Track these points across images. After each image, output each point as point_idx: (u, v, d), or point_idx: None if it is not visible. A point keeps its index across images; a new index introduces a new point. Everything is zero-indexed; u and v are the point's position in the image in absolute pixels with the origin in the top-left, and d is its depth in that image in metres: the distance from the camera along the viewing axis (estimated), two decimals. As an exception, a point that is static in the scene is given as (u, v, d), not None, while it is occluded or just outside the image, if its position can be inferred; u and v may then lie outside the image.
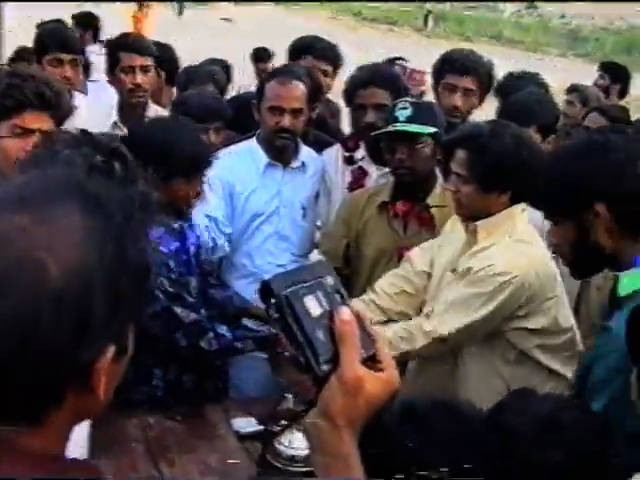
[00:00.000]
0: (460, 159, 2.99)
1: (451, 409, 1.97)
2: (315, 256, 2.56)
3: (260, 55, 7.77)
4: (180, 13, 33.68)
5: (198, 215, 3.63)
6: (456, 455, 1.84)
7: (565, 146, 2.46)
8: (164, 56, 4.77)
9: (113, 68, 4.33)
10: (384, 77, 4.02)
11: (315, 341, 1.21)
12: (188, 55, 5.84)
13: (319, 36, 5.16)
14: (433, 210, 3.52)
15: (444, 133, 3.44)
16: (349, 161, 4.09)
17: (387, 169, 3.69)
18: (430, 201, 3.53)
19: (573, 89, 5.96)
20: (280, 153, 3.94)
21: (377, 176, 3.87)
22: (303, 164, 4.01)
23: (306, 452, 2.62)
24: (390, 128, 3.40)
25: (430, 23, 30.98)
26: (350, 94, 4.06)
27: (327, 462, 1.24)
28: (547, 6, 33.67)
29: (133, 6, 16.97)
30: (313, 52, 4.83)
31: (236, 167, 3.92)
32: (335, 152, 4.14)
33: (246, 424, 3.00)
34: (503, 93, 4.50)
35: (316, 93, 4.08)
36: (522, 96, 3.99)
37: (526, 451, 1.92)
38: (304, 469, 2.61)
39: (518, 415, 2.02)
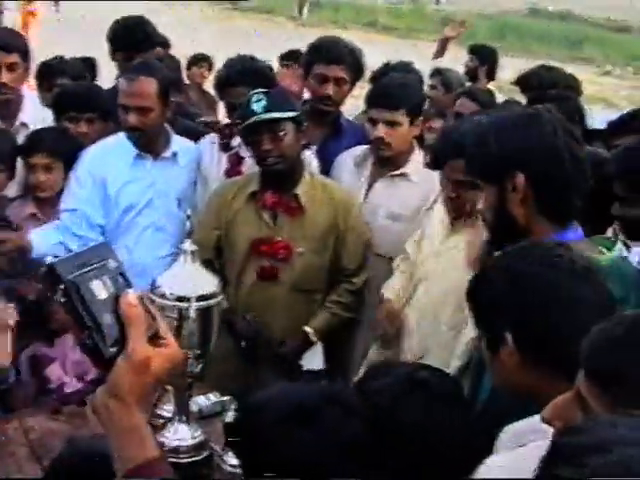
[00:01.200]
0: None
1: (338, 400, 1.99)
2: (189, 245, 2.56)
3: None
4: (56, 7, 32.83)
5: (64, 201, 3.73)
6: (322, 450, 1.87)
7: (498, 115, 2.48)
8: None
9: None
10: (250, 73, 4.03)
11: (103, 324, 1.26)
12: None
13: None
14: (303, 199, 3.55)
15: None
16: (225, 148, 4.09)
17: None
18: (299, 190, 3.55)
19: (435, 73, 6.10)
20: (144, 146, 3.91)
21: (252, 163, 3.85)
22: (174, 154, 3.97)
23: (190, 442, 2.65)
24: (250, 120, 3.42)
25: (305, 11, 31.02)
26: (220, 90, 4.15)
27: (122, 438, 1.31)
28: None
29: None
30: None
31: (106, 160, 3.88)
32: (210, 140, 4.14)
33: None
34: (376, 81, 4.57)
35: (175, 85, 4.06)
36: (386, 81, 4.06)
37: (390, 411, 1.97)
38: (189, 459, 2.62)
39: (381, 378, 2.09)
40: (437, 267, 3.43)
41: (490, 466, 1.65)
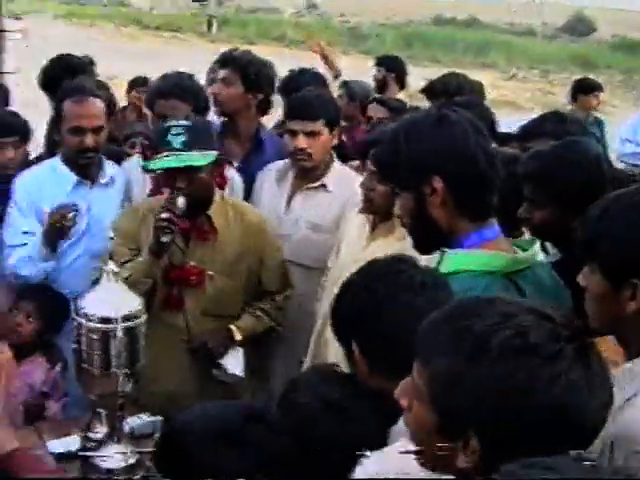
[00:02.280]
0: None
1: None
2: (111, 266, 2.57)
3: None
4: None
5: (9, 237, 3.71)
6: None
7: (406, 119, 2.42)
8: None
9: None
10: (185, 89, 4.02)
11: None
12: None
13: None
14: (215, 221, 3.47)
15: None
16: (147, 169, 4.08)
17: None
18: (211, 212, 3.47)
19: (342, 84, 6.25)
20: (86, 171, 3.86)
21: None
22: (112, 179, 3.94)
23: (123, 463, 2.65)
24: (166, 160, 3.29)
25: (214, 28, 31.05)
26: (151, 102, 4.08)
27: None
28: (326, 5, 34.53)
29: None
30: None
31: (41, 187, 3.82)
32: (135, 162, 4.11)
33: (62, 444, 2.96)
34: (286, 91, 4.62)
35: (110, 106, 4.04)
36: (303, 94, 4.11)
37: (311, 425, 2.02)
38: (124, 480, 2.62)
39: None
40: None
41: (368, 461, 1.74)
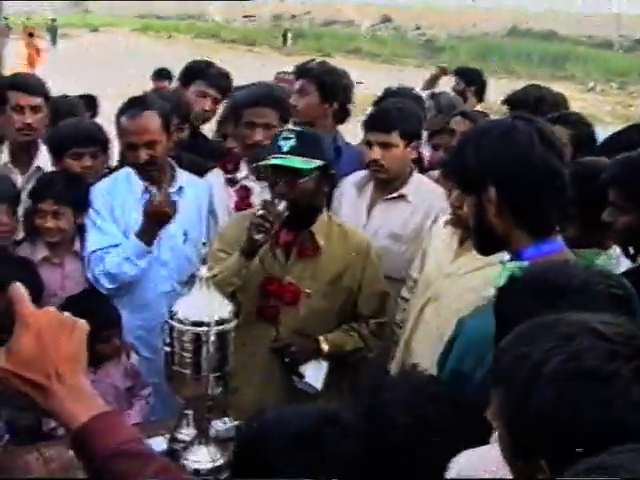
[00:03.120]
0: None
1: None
2: (204, 271, 2.65)
3: (159, 74, 7.84)
4: (54, 42, 33.26)
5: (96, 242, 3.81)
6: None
7: (479, 126, 2.50)
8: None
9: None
10: (272, 97, 4.06)
11: None
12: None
13: (210, 61, 5.29)
14: (319, 238, 3.44)
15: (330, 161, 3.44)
16: (231, 182, 4.14)
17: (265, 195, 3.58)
18: (314, 228, 3.44)
19: (431, 97, 6.25)
20: (153, 180, 3.91)
21: (260, 191, 3.86)
22: (180, 188, 3.97)
23: (210, 465, 2.72)
24: (271, 160, 3.31)
25: (289, 41, 31.30)
26: (237, 111, 4.10)
27: (72, 398, 1.47)
28: (401, 18, 34.52)
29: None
30: (204, 77, 4.96)
31: (115, 194, 3.91)
32: (215, 174, 4.20)
33: (150, 446, 3.04)
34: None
35: (184, 113, 4.10)
36: (383, 105, 4.17)
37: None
38: (209, 482, 2.69)
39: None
40: (449, 288, 3.40)
41: (458, 462, 1.78)
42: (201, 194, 4.05)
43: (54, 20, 41.22)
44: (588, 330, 1.39)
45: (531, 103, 4.70)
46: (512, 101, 5.01)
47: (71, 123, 4.33)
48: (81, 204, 3.90)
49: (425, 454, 2.02)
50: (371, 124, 4.01)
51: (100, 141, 4.20)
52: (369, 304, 3.56)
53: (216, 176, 4.18)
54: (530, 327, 1.47)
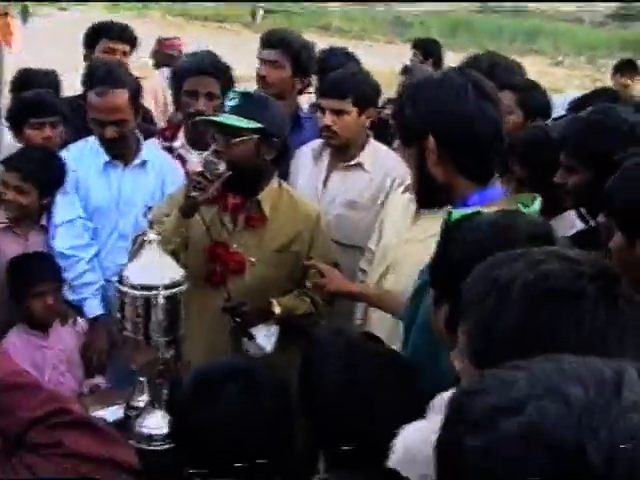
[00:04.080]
0: None
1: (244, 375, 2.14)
2: (152, 235, 2.66)
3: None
4: (25, 21, 32.89)
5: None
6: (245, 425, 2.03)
7: (417, 81, 2.49)
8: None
9: None
10: (216, 66, 4.11)
11: None
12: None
13: (111, 20, 5.37)
14: (265, 207, 3.43)
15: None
16: (168, 151, 4.17)
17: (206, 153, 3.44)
18: (261, 197, 3.43)
19: (404, 71, 6.25)
20: (117, 154, 3.95)
21: (197, 161, 3.86)
22: (144, 162, 3.99)
23: (163, 431, 2.73)
24: (209, 118, 3.37)
25: (258, 18, 31.08)
26: (179, 80, 4.14)
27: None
28: (372, -6, 34.38)
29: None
30: (108, 35, 5.02)
31: (78, 164, 3.93)
32: (153, 141, 4.22)
33: (106, 414, 3.05)
34: (320, 70, 4.67)
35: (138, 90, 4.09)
36: (336, 73, 4.14)
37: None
38: (162, 447, 2.70)
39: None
40: (408, 254, 3.35)
41: (407, 430, 1.76)
42: (165, 168, 4.04)
43: (24, -3, 40.91)
44: (558, 256, 1.40)
45: (484, 69, 4.71)
46: (465, 67, 5.01)
47: (29, 94, 4.34)
48: (49, 185, 3.88)
49: (354, 413, 2.06)
50: (324, 90, 4.03)
51: (59, 111, 4.20)
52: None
53: (152, 144, 4.19)
54: (499, 257, 1.47)
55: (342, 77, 4.04)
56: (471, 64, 4.85)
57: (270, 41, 4.52)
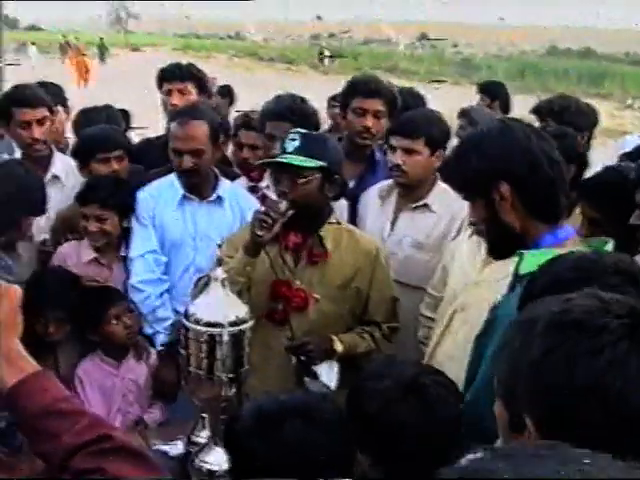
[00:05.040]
0: None
1: (302, 411, 2.13)
2: (219, 273, 2.68)
3: None
4: (103, 60, 34.11)
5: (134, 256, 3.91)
6: (305, 458, 2.02)
7: (472, 133, 2.60)
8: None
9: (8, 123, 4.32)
10: (295, 111, 4.13)
11: None
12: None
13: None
14: (327, 243, 3.46)
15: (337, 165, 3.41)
16: (252, 190, 4.22)
17: None
18: (323, 233, 3.45)
19: (462, 114, 6.23)
20: (195, 187, 3.98)
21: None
22: (219, 198, 4.01)
23: (223, 467, 2.72)
24: (273, 159, 3.40)
25: (326, 60, 31.42)
26: (262, 123, 4.19)
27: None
28: (438, 36, 34.54)
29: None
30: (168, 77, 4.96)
31: (157, 200, 3.99)
32: (242, 182, 4.28)
33: (167, 448, 3.07)
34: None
35: (219, 127, 4.12)
36: (410, 112, 4.15)
37: (387, 413, 2.14)
38: (223, 482, 2.69)
39: (380, 379, 2.22)
40: (477, 296, 3.29)
41: None
42: (243, 205, 4.04)
43: (102, 39, 41.97)
44: (589, 295, 1.40)
45: (555, 111, 4.69)
46: (538, 110, 4.99)
47: (95, 129, 4.43)
48: (126, 207, 3.98)
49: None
50: (396, 129, 4.01)
51: (124, 145, 4.29)
52: (380, 309, 3.58)
53: (239, 184, 4.23)
54: (539, 302, 1.47)
55: (415, 117, 4.05)
56: (543, 106, 4.84)
57: (373, 90, 4.36)
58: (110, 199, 3.90)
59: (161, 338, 3.94)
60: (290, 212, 3.24)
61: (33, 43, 39.81)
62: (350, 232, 3.56)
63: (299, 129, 3.42)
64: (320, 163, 3.31)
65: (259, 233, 3.22)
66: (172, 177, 4.02)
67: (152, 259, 3.97)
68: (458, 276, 3.52)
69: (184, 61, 5.41)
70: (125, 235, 4.02)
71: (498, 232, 2.40)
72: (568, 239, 2.37)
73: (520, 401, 1.32)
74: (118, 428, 2.06)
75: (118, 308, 3.73)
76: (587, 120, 4.75)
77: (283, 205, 3.24)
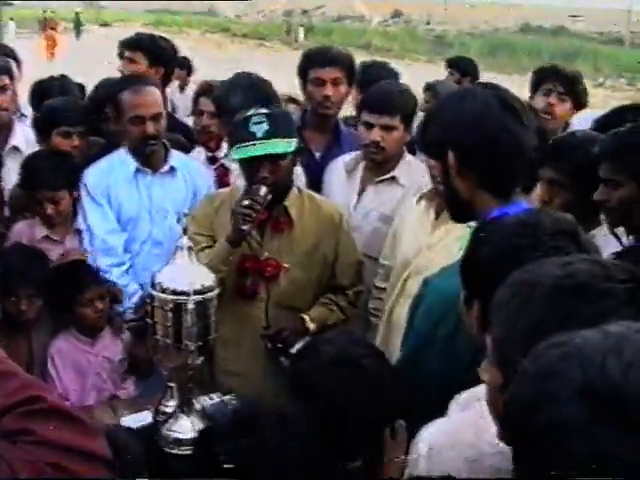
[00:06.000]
0: None
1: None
2: (185, 241, 2.69)
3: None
4: (78, 36, 33.91)
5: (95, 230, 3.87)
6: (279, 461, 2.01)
7: (444, 96, 2.62)
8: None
9: None
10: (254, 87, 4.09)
11: None
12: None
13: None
14: (292, 212, 3.49)
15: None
16: (211, 161, 4.24)
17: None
18: (287, 203, 3.48)
19: (427, 88, 6.24)
20: (148, 159, 3.96)
21: (239, 171, 3.77)
22: (172, 168, 4.01)
23: (191, 435, 2.74)
24: (251, 151, 3.28)
25: (300, 36, 31.30)
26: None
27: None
28: (413, 14, 34.50)
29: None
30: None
31: (109, 175, 3.95)
32: (198, 153, 4.28)
33: (135, 419, 3.08)
34: (362, 83, 4.67)
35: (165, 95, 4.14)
36: (383, 87, 4.12)
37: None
38: (190, 451, 2.70)
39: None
40: (431, 259, 3.37)
41: (429, 430, 1.79)
42: (195, 175, 4.07)
43: (77, 14, 41.59)
44: (587, 260, 1.39)
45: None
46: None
47: (62, 100, 4.37)
48: (75, 181, 3.94)
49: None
50: (372, 106, 3.98)
51: (88, 121, 4.25)
52: (347, 273, 3.62)
53: (197, 154, 4.25)
54: (533, 264, 1.44)
55: (391, 93, 4.02)
56: None
57: (329, 59, 4.36)
58: (60, 180, 3.86)
59: (130, 314, 3.94)
60: (270, 196, 3.25)
61: (11, 19, 39.39)
62: (311, 198, 3.60)
63: (260, 110, 3.35)
64: (294, 142, 3.34)
65: (244, 227, 3.24)
66: (122, 152, 3.99)
67: (113, 240, 3.94)
68: (410, 241, 3.60)
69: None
70: (74, 205, 3.99)
71: (449, 197, 2.37)
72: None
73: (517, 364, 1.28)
74: (51, 389, 2.00)
75: (92, 292, 3.70)
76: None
77: (263, 191, 3.24)
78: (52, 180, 3.85)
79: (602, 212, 3.03)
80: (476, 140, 2.23)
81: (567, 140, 3.36)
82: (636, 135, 2.91)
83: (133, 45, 4.84)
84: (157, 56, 4.82)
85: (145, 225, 3.97)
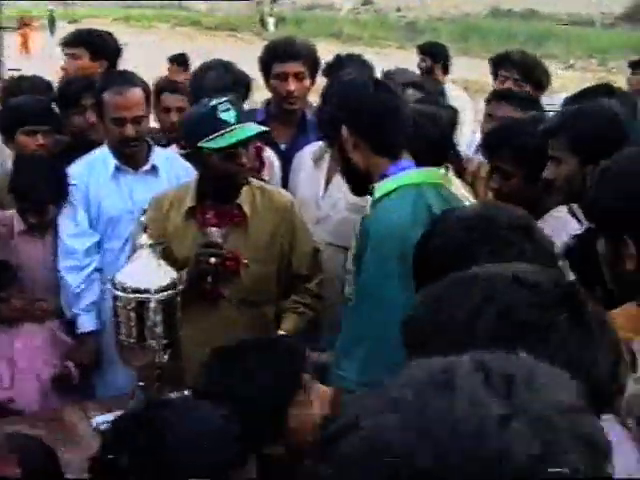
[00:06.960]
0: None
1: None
2: (145, 239, 2.65)
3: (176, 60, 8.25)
4: (52, 32, 33.87)
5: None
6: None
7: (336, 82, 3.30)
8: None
9: None
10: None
11: None
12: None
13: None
14: (245, 208, 3.45)
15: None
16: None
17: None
18: (240, 200, 3.45)
19: (386, 76, 6.19)
20: (129, 158, 3.93)
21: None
22: (154, 167, 3.97)
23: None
24: (231, 136, 3.22)
25: (271, 27, 31.22)
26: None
27: None
28: (382, 1, 34.46)
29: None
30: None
31: (89, 173, 3.91)
32: (174, 149, 4.29)
33: (104, 419, 3.06)
34: (331, 74, 4.65)
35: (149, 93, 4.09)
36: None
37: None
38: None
39: None
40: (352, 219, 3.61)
41: None
42: (179, 171, 4.00)
43: (51, 11, 41.52)
44: (509, 281, 1.27)
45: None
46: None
47: (26, 98, 4.31)
48: (62, 195, 3.88)
49: None
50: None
51: (53, 120, 4.19)
52: (304, 262, 3.61)
53: (168, 150, 4.25)
54: (446, 287, 1.33)
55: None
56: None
57: (291, 54, 4.34)
58: (49, 195, 3.82)
59: (82, 319, 3.88)
60: (222, 232, 3.34)
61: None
62: (261, 189, 3.57)
63: (222, 98, 3.32)
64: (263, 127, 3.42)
65: (208, 270, 3.30)
66: (103, 150, 3.95)
67: (75, 243, 3.89)
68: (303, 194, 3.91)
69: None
70: None
71: (349, 171, 2.86)
72: (411, 169, 2.79)
73: None
74: None
75: (7, 291, 3.71)
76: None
77: (217, 234, 3.31)
78: (41, 196, 3.81)
79: (552, 191, 3.04)
80: (361, 112, 2.74)
81: (506, 127, 3.42)
82: (578, 112, 2.95)
83: (73, 41, 4.87)
84: (98, 49, 4.82)
85: (127, 224, 3.89)
